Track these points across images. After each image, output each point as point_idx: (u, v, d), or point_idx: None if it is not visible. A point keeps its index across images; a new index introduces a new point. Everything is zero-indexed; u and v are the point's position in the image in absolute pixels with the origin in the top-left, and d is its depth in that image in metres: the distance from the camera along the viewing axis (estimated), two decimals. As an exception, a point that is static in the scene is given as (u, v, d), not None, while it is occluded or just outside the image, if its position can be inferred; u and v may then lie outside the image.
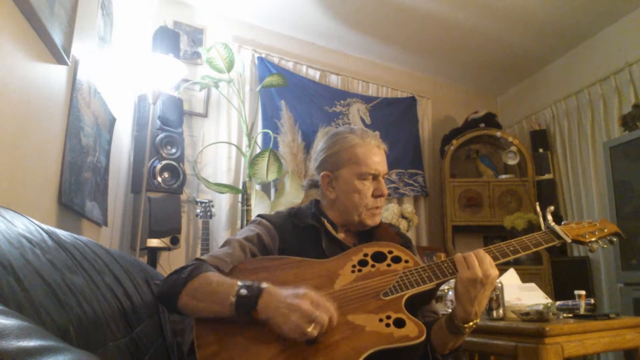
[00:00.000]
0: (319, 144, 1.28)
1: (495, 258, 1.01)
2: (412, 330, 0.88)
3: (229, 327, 0.89)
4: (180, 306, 0.92)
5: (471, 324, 0.98)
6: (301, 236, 1.15)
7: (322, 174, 1.21)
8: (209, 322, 0.90)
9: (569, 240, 1.10)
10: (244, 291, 0.86)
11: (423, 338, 0.87)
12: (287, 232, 1.16)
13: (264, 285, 0.88)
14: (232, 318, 0.87)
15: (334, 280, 1.00)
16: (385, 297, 0.95)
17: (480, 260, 0.97)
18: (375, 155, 1.17)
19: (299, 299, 0.84)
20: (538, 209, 1.23)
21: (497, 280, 1.60)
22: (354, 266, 1.03)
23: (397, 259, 1.04)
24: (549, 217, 1.13)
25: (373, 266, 1.03)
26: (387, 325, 0.89)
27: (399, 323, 0.90)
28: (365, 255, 1.05)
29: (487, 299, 0.98)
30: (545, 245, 1.08)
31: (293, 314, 0.82)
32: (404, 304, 0.94)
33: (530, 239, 1.08)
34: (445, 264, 1.01)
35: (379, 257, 1.05)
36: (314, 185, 1.28)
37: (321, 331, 0.83)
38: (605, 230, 1.15)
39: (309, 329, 0.81)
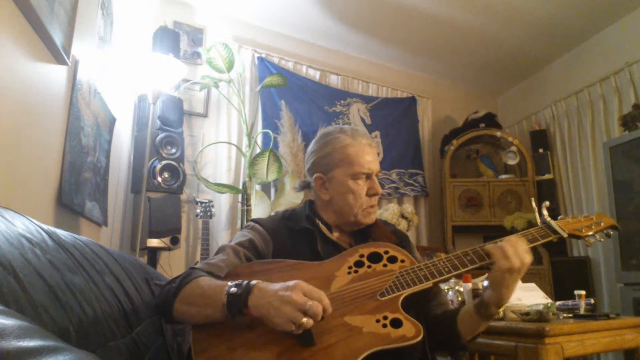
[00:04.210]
0: (310, 144, 1.26)
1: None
2: (409, 330, 0.88)
3: (226, 333, 0.88)
4: (176, 315, 0.92)
5: (503, 306, 1.04)
6: (296, 239, 1.14)
7: (314, 176, 1.20)
8: (206, 328, 0.89)
9: (565, 235, 1.09)
10: (234, 289, 0.85)
11: (420, 338, 0.87)
12: (282, 235, 1.15)
13: (254, 282, 0.86)
14: (225, 320, 0.86)
15: (330, 282, 0.99)
16: (382, 298, 0.95)
17: (515, 247, 0.96)
18: (367, 154, 1.16)
19: (290, 290, 0.82)
20: (534, 204, 1.21)
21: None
22: (350, 267, 1.02)
23: (393, 259, 1.04)
24: (545, 212, 1.12)
25: (369, 267, 1.02)
26: (384, 325, 0.89)
27: (396, 323, 0.90)
28: (362, 256, 1.05)
29: (517, 282, 0.98)
30: (542, 241, 1.07)
31: (285, 306, 0.80)
32: (400, 303, 0.94)
33: (526, 234, 1.07)
34: (442, 263, 1.01)
35: (375, 258, 1.05)
36: (306, 186, 1.27)
37: (316, 320, 0.82)
38: (602, 224, 1.14)
39: (303, 320, 0.80)
